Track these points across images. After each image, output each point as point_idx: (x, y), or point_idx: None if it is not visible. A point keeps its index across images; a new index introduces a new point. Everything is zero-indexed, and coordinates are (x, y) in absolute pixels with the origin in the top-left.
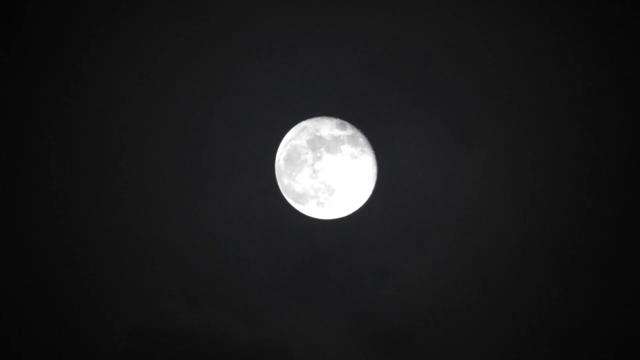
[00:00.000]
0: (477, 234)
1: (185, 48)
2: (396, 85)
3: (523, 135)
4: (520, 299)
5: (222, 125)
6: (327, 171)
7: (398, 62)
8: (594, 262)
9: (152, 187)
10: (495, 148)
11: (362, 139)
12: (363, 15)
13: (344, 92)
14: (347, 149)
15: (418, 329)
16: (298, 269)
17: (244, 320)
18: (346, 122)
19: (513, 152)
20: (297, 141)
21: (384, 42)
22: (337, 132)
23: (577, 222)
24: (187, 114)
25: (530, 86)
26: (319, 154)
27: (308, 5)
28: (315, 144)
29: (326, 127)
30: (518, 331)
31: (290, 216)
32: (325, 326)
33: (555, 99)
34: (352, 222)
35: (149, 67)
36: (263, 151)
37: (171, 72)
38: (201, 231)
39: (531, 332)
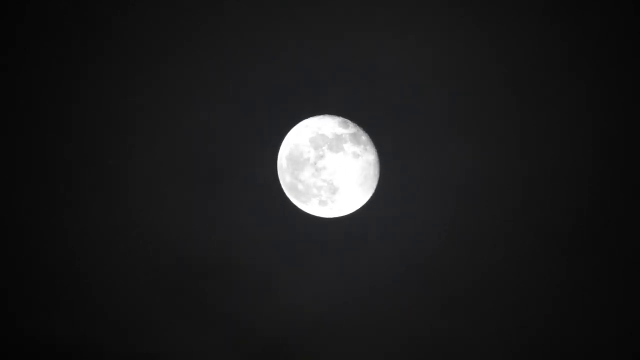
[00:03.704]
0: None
1: (185, 47)
2: (399, 84)
3: (528, 139)
4: (410, 316)
5: (223, 123)
6: (329, 170)
7: (401, 61)
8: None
9: (139, 184)
10: (497, 151)
11: (364, 137)
12: (367, 14)
13: (347, 90)
14: (349, 147)
15: (306, 343)
16: (180, 285)
17: (121, 336)
18: (349, 121)
19: (518, 157)
20: (299, 139)
21: (387, 40)
22: (340, 130)
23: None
24: (188, 112)
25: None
26: (321, 153)
27: (311, 3)
28: (318, 142)
29: (329, 126)
30: (406, 348)
31: (293, 215)
32: (206, 343)
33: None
34: (350, 222)
35: (148, 66)
36: (265, 150)
37: (171, 71)
38: (94, 240)
39: (424, 349)
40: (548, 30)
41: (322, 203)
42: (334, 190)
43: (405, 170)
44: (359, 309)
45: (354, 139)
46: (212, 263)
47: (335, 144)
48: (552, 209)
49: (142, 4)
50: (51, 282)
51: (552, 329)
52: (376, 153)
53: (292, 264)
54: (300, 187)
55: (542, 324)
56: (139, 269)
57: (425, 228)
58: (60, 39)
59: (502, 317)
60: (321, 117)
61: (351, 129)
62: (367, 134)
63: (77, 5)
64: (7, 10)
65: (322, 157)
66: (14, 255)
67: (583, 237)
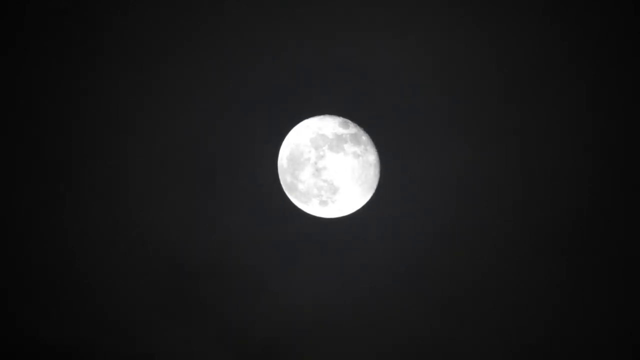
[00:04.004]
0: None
1: (185, 47)
2: (399, 84)
3: (531, 139)
4: (410, 316)
5: (223, 123)
6: (330, 170)
7: (401, 61)
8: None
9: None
10: (501, 151)
11: (364, 137)
12: (367, 14)
13: (346, 90)
14: (349, 147)
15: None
16: (180, 285)
17: (121, 336)
18: (349, 121)
19: (523, 156)
20: (299, 139)
21: (387, 40)
22: (340, 130)
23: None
24: (188, 112)
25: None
26: (321, 153)
27: (311, 3)
28: (318, 142)
29: (329, 126)
30: (406, 348)
31: (293, 215)
32: (205, 343)
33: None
34: (350, 222)
35: (148, 66)
36: (265, 149)
37: (171, 71)
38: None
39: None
40: (548, 30)
41: (322, 203)
42: (334, 190)
43: (405, 170)
44: (358, 309)
45: (354, 139)
46: (212, 263)
47: (336, 144)
48: (552, 209)
49: (142, 4)
50: (51, 282)
51: (552, 329)
52: (376, 153)
53: (292, 264)
54: (301, 187)
55: (541, 324)
56: (139, 269)
57: (425, 228)
58: (60, 39)
59: (502, 317)
60: (321, 117)
61: (351, 129)
62: (367, 134)
63: (77, 5)
64: (7, 10)
65: (322, 157)
66: (14, 255)
67: (583, 237)
